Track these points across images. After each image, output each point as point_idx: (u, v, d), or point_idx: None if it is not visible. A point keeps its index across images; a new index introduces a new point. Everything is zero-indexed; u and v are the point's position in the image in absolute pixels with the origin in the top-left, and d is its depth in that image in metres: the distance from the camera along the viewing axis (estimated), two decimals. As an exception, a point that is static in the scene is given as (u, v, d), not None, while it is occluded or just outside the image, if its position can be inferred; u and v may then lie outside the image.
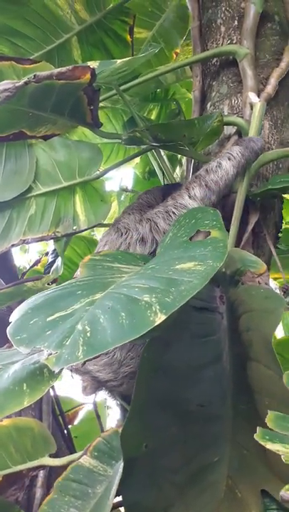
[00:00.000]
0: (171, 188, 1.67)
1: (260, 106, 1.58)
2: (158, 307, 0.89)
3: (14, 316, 1.00)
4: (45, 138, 1.66)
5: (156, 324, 0.86)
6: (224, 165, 1.49)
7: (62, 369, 0.85)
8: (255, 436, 0.79)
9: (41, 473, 1.69)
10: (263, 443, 0.78)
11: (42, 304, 1.02)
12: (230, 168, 1.49)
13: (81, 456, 1.29)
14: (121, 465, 1.12)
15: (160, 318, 0.87)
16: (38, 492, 1.69)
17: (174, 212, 1.46)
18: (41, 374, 0.99)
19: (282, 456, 0.76)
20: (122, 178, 3.20)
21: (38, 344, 0.89)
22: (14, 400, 0.99)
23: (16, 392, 1.00)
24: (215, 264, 1.02)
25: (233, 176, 1.50)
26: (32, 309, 1.01)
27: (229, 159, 1.50)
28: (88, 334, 0.86)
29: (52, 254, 2.26)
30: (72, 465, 1.29)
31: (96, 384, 1.45)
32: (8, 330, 0.95)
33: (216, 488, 1.12)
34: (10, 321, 0.99)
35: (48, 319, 0.95)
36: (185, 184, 1.54)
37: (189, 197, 1.47)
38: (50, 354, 0.85)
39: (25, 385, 0.99)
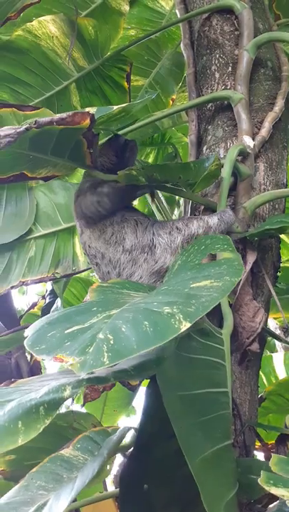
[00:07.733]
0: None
1: (230, 153, 1.62)
2: (181, 316, 0.89)
3: (30, 331, 0.99)
4: (46, 179, 1.69)
5: (181, 331, 0.86)
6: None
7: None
8: (259, 481, 0.77)
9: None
10: (267, 488, 0.76)
11: (58, 319, 1.03)
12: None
13: (62, 449, 1.25)
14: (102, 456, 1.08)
15: (185, 325, 0.87)
16: None
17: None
18: (37, 412, 0.95)
19: (286, 502, 0.74)
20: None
21: (59, 353, 0.88)
22: (8, 438, 0.95)
23: (10, 429, 0.95)
24: (232, 280, 1.02)
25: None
26: (48, 324, 1.01)
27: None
28: (111, 342, 0.86)
29: (49, 295, 2.26)
30: (51, 456, 1.23)
31: None
32: (26, 343, 0.95)
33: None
34: (25, 335, 0.99)
35: (66, 331, 0.95)
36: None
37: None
38: (71, 364, 0.84)
39: (20, 422, 0.95)
